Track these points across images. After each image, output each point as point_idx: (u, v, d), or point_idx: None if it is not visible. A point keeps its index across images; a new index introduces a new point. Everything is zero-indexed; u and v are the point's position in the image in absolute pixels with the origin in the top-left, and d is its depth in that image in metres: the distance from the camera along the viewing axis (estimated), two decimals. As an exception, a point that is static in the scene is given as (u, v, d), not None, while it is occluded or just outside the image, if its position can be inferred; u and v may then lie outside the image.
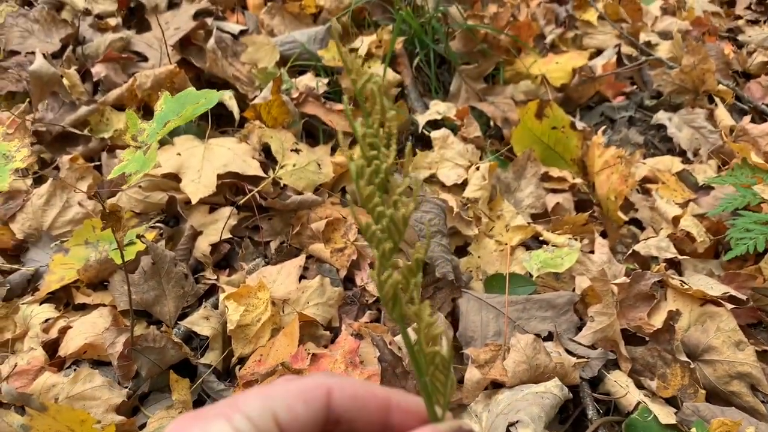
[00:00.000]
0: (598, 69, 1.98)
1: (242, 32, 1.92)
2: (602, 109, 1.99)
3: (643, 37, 2.17)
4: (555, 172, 1.54)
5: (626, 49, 2.13)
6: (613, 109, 1.98)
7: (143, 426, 1.07)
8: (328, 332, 1.27)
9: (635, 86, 2.08)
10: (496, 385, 1.13)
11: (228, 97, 1.68)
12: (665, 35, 2.24)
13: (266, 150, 1.59)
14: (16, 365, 1.07)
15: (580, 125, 1.68)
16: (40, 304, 1.25)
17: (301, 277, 1.36)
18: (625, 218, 1.51)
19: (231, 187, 1.52)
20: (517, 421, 0.94)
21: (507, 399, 1.02)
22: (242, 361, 1.20)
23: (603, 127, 1.68)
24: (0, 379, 1.08)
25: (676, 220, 1.47)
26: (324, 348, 1.24)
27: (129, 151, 0.91)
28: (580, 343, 1.21)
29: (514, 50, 1.92)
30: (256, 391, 0.42)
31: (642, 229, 1.57)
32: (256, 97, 1.71)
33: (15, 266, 1.34)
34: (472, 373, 1.09)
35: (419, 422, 0.46)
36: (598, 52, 2.14)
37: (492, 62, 1.82)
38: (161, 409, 1.01)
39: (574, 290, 1.31)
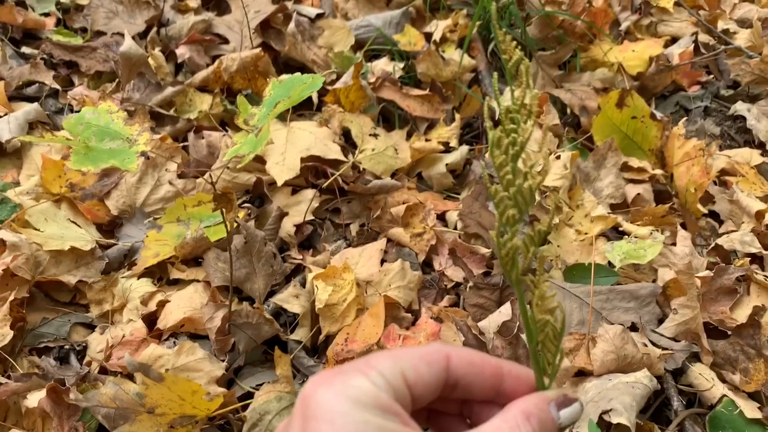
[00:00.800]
0: (674, 57, 1.95)
1: (318, 16, 1.94)
2: (677, 99, 1.95)
3: (720, 24, 2.12)
4: (635, 163, 1.54)
5: (702, 37, 2.09)
6: (688, 99, 1.95)
7: (240, 398, 1.12)
8: (409, 315, 1.31)
9: (711, 75, 2.04)
10: (580, 374, 1.15)
11: (307, 81, 1.71)
12: (743, 23, 2.18)
13: (345, 134, 1.62)
14: (123, 336, 1.13)
15: (658, 115, 1.66)
16: (138, 278, 1.31)
17: (381, 260, 1.40)
18: (704, 210, 1.50)
19: (311, 169, 1.56)
20: (610, 410, 0.96)
21: (596, 387, 1.04)
22: (328, 339, 1.25)
23: (684, 119, 1.66)
24: (107, 347, 1.14)
25: (759, 215, 1.45)
26: (406, 330, 1.27)
27: (241, 134, 0.95)
28: (662, 335, 1.21)
29: (590, 35, 1.90)
30: (386, 353, 0.46)
31: (719, 222, 1.56)
32: (333, 81, 1.74)
33: (111, 241, 1.41)
34: (558, 361, 1.11)
35: (529, 390, 0.49)
36: (673, 40, 2.10)
37: (569, 49, 1.81)
38: (267, 383, 1.06)
39: (655, 281, 1.32)
